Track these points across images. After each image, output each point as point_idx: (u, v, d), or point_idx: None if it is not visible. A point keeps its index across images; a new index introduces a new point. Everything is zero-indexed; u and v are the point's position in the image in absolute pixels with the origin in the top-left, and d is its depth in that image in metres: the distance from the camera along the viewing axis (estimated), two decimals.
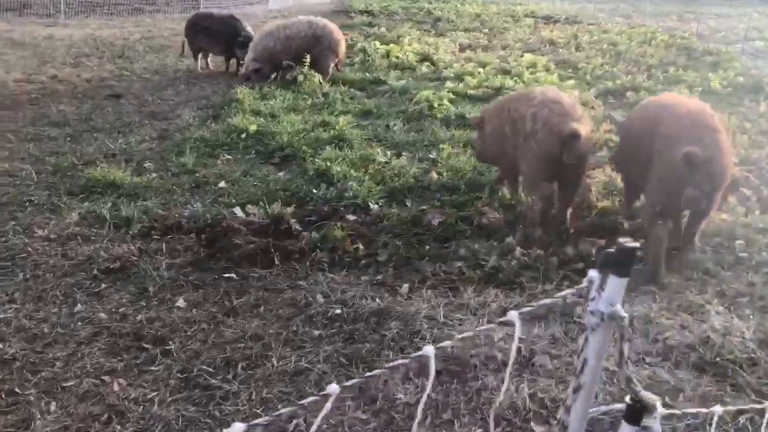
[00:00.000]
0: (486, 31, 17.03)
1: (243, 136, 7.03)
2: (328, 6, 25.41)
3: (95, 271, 4.28)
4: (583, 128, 4.62)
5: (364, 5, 23.59)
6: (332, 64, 10.03)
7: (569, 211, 4.94)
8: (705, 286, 4.13)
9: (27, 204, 5.38)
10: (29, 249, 4.56)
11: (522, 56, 11.62)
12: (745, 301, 3.94)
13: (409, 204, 5.37)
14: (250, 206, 5.19)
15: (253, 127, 7.15)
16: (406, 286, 4.10)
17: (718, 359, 3.29)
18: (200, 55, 11.52)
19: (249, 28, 11.17)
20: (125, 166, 6.23)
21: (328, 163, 5.95)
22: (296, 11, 23.51)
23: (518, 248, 4.43)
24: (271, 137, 6.91)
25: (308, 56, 9.61)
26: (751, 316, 3.74)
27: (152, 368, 3.33)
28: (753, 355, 3.34)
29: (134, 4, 22.86)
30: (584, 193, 5.38)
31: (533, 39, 15.13)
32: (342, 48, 10.11)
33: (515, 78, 9.92)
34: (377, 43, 12.38)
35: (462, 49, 13.82)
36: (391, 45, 12.14)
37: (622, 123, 5.28)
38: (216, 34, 11.10)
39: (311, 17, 10.28)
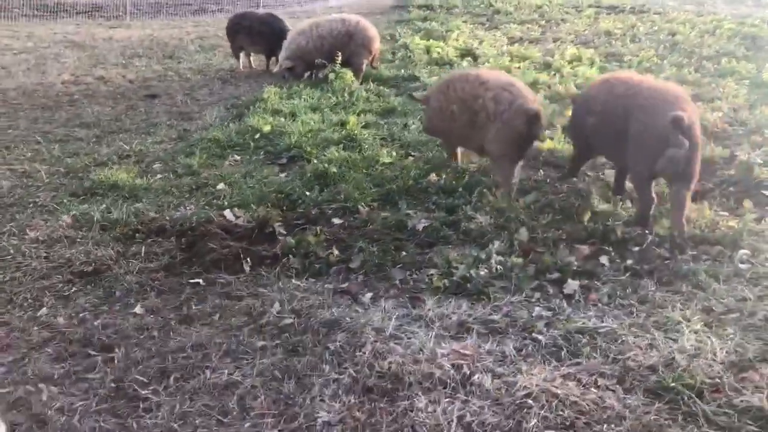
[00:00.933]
0: (543, 23, 16.54)
1: (257, 136, 7.01)
2: (388, 1, 25.34)
3: (69, 275, 4.32)
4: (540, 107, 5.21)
5: (423, 0, 23.34)
6: (365, 62, 9.91)
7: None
8: (691, 300, 3.80)
9: (31, 205, 5.51)
10: (16, 251, 4.65)
11: (567, 49, 11.17)
12: (732, 318, 3.60)
13: (402, 207, 5.20)
14: (237, 209, 5.14)
15: (267, 128, 7.12)
16: (369, 295, 3.95)
17: (675, 384, 3.00)
18: (242, 54, 11.65)
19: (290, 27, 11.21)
20: (135, 167, 6.31)
21: (326, 165, 5.84)
22: (356, 8, 23.54)
23: (495, 255, 4.21)
24: (282, 137, 6.86)
25: (340, 54, 9.55)
26: (733, 336, 3.41)
27: (89, 376, 3.30)
28: (718, 380, 3.03)
29: (199, 4, 23.43)
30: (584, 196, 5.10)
31: (588, 31, 14.57)
32: (376, 45, 9.98)
33: (553, 72, 9.55)
34: (416, 38, 12.18)
35: (511, 42, 13.46)
36: (431, 41, 11.90)
37: (580, 97, 5.62)
38: (257, 33, 11.17)
39: (345, 15, 10.21)
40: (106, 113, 8.63)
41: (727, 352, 3.25)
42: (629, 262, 4.23)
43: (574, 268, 4.10)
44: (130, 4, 20.68)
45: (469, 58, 11.15)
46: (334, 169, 5.75)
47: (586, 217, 4.70)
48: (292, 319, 3.68)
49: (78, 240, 4.82)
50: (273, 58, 11.35)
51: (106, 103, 9.18)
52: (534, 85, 8.84)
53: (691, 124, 4.35)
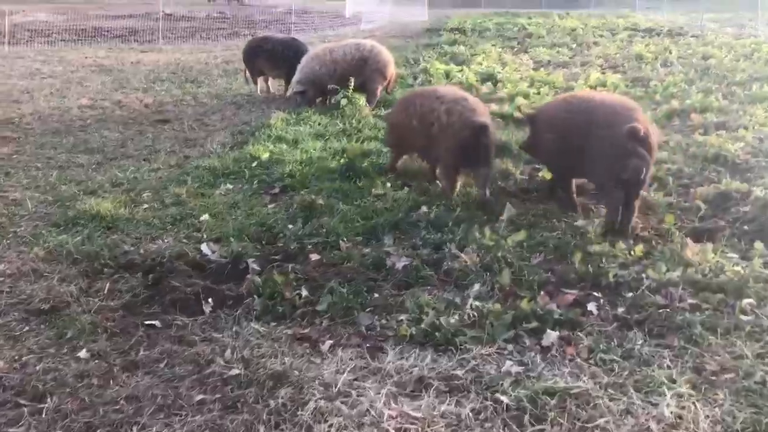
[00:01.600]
0: (574, 46, 16.18)
1: (254, 164, 6.80)
2: (422, 24, 25.25)
3: (25, 312, 4.12)
4: (489, 121, 5.70)
5: (457, 23, 23.17)
6: (380, 87, 9.68)
7: (487, 190, 5.67)
8: (682, 356, 3.40)
9: (10, 235, 5.36)
10: None
11: (590, 74, 10.79)
12: (725, 379, 3.20)
13: (386, 242, 4.91)
14: (214, 243, 4.91)
15: (265, 155, 6.92)
16: (329, 342, 3.65)
17: None
18: (260, 79, 11.53)
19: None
20: (123, 196, 6.14)
21: (313, 196, 5.58)
22: (389, 31, 23.50)
23: (471, 300, 3.88)
24: (279, 166, 6.65)
25: (353, 79, 9.32)
26: (722, 402, 3.01)
27: (10, 430, 3.07)
28: None
29: (233, 29, 23.64)
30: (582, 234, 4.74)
31: (620, 54, 14.16)
32: (391, 70, 9.74)
33: None
34: (436, 63, 11.93)
35: (538, 66, 13.14)
36: (451, 65, 11.61)
37: (537, 116, 5.84)
38: (279, 57, 11.01)
39: (360, 40, 10.03)
40: (113, 139, 8.55)
41: (712, 421, 2.86)
42: (620, 310, 3.86)
43: (557, 316, 3.74)
44: (165, 29, 20.99)
45: (490, 83, 10.83)
46: (321, 201, 5.49)
47: (578, 257, 4.32)
48: (239, 370, 3.40)
49: (45, 274, 4.62)
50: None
51: (115, 129, 9.11)
52: None
53: (647, 134, 4.69)
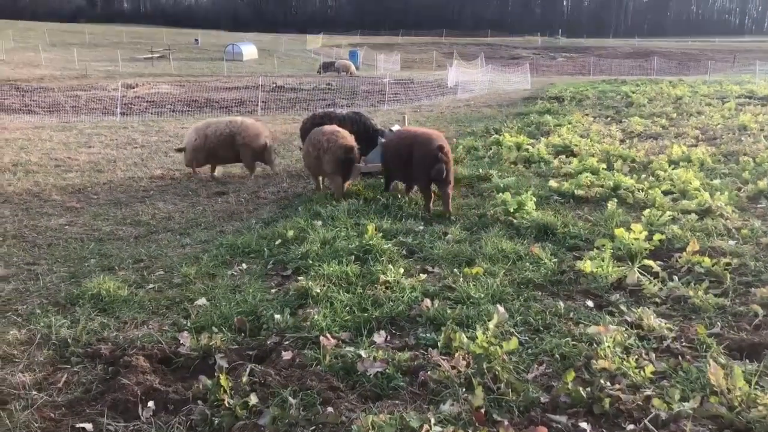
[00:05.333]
0: (674, 116, 15.13)
1: (277, 242, 6.50)
2: (523, 93, 24.73)
3: None
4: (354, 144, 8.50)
5: (558, 91, 22.50)
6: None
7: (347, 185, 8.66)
8: None
9: (9, 313, 5.26)
10: None
11: (673, 148, 9.87)
12: None
13: (378, 339, 4.39)
14: (191, 334, 4.57)
15: (290, 233, 6.60)
16: None
17: None
18: None
19: (395, 127, 10.81)
20: (134, 275, 5.97)
21: (310, 283, 5.14)
22: (485, 99, 23.15)
23: (431, 425, 3.27)
24: (300, 245, 6.30)
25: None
26: None
27: None
28: None
29: (334, 99, 24.09)
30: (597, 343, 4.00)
31: (722, 125, 13.02)
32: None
33: (643, 175, 8.36)
34: (507, 135, 11.36)
35: (628, 137, 12.29)
36: (522, 137, 11.00)
37: (386, 144, 8.71)
38: None
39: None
40: (164, 211, 8.56)
41: None
42: None
43: None
44: (267, 100, 21.66)
45: (564, 156, 10.16)
46: (317, 290, 5.04)
47: (570, 377, 3.61)
48: None
49: (14, 360, 4.42)
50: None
51: (171, 201, 9.16)
52: (615, 189, 7.73)
53: (447, 151, 7.50)
